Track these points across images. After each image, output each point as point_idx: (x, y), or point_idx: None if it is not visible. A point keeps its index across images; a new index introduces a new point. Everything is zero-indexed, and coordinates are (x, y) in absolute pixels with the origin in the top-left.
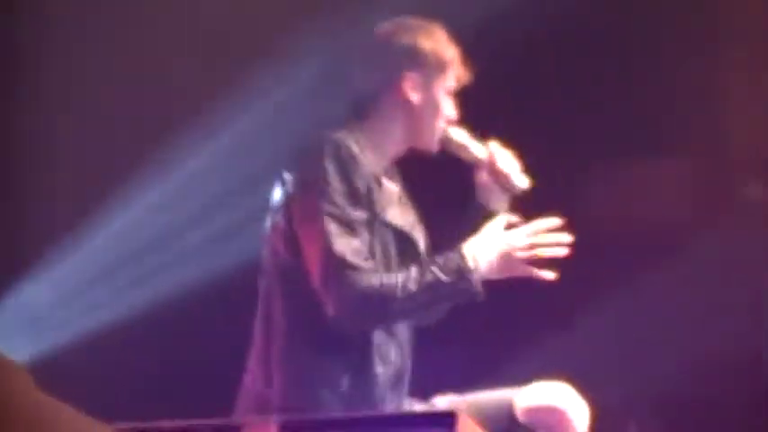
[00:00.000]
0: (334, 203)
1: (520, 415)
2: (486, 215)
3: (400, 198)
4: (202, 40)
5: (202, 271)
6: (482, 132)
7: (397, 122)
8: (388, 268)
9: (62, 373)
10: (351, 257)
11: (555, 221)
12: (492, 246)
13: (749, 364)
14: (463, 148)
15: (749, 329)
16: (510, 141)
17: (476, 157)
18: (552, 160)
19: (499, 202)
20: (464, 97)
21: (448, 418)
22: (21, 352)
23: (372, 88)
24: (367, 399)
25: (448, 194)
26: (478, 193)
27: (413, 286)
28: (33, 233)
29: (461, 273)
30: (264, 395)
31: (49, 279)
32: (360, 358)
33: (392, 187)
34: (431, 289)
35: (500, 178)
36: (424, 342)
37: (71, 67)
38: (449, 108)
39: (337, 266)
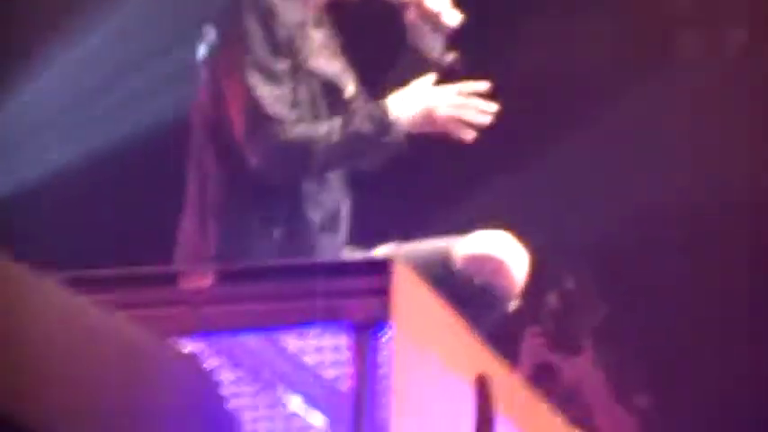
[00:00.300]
0: (255, 55)
1: (457, 263)
2: (420, 57)
3: (327, 45)
4: None
5: (138, 123)
6: None
7: None
8: (316, 118)
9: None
10: (273, 108)
11: (484, 85)
12: (417, 100)
13: (684, 211)
14: None
15: (684, 178)
16: None
17: None
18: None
19: (432, 42)
20: None
21: (384, 265)
22: None
23: None
24: (301, 246)
25: (380, 39)
26: (410, 35)
27: (335, 137)
28: None
29: (382, 124)
30: (200, 247)
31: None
32: (291, 206)
33: (317, 34)
34: (352, 139)
35: (429, 17)
36: (364, 191)
37: None
38: None
39: (260, 117)
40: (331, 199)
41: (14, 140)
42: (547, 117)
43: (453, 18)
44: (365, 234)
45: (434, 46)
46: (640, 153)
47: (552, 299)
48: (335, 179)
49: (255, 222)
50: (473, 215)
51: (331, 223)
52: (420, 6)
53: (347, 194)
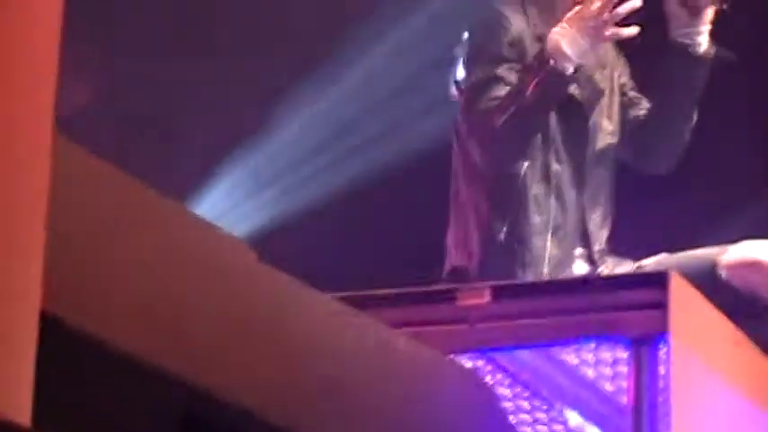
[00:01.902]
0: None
1: (724, 271)
2: (686, 52)
3: None
4: None
5: (398, 148)
6: None
7: None
8: None
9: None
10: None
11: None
12: (570, 28)
13: None
14: None
15: None
16: None
17: None
18: None
19: (694, 32)
20: None
21: (660, 277)
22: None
23: None
24: (520, 247)
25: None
26: (672, 29)
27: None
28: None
29: (541, 56)
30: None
31: (247, 166)
32: (516, 206)
33: None
34: (522, 77)
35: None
36: (625, 205)
37: None
38: None
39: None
40: (560, 205)
41: (277, 173)
42: None
43: None
44: (634, 245)
45: (698, 37)
46: None
47: None
48: (568, 185)
49: (484, 225)
50: (745, 229)
51: (556, 230)
52: None
53: (588, 205)
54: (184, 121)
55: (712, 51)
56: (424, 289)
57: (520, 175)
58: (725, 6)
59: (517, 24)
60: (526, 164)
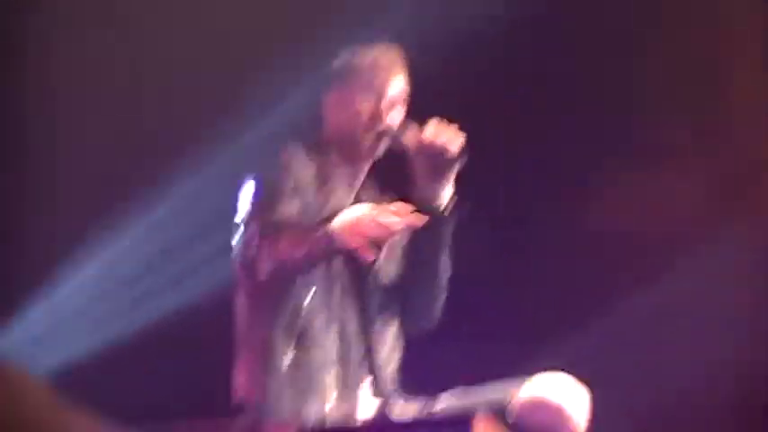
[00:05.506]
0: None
1: (513, 413)
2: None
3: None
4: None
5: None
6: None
7: None
8: None
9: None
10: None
11: (408, 206)
12: (354, 211)
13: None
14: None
15: (754, 335)
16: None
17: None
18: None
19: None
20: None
21: (465, 421)
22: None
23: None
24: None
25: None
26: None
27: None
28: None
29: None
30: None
31: (48, 304)
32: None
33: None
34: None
35: (437, 149)
36: (423, 341)
37: None
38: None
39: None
40: (342, 338)
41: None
42: (621, 265)
43: (458, 142)
44: (429, 379)
45: (441, 192)
46: (714, 309)
47: None
48: (353, 321)
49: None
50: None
51: (340, 363)
52: (424, 144)
53: (385, 342)
54: None
55: (454, 207)
56: None
57: (303, 306)
58: (464, 161)
59: (303, 173)
60: (311, 293)
